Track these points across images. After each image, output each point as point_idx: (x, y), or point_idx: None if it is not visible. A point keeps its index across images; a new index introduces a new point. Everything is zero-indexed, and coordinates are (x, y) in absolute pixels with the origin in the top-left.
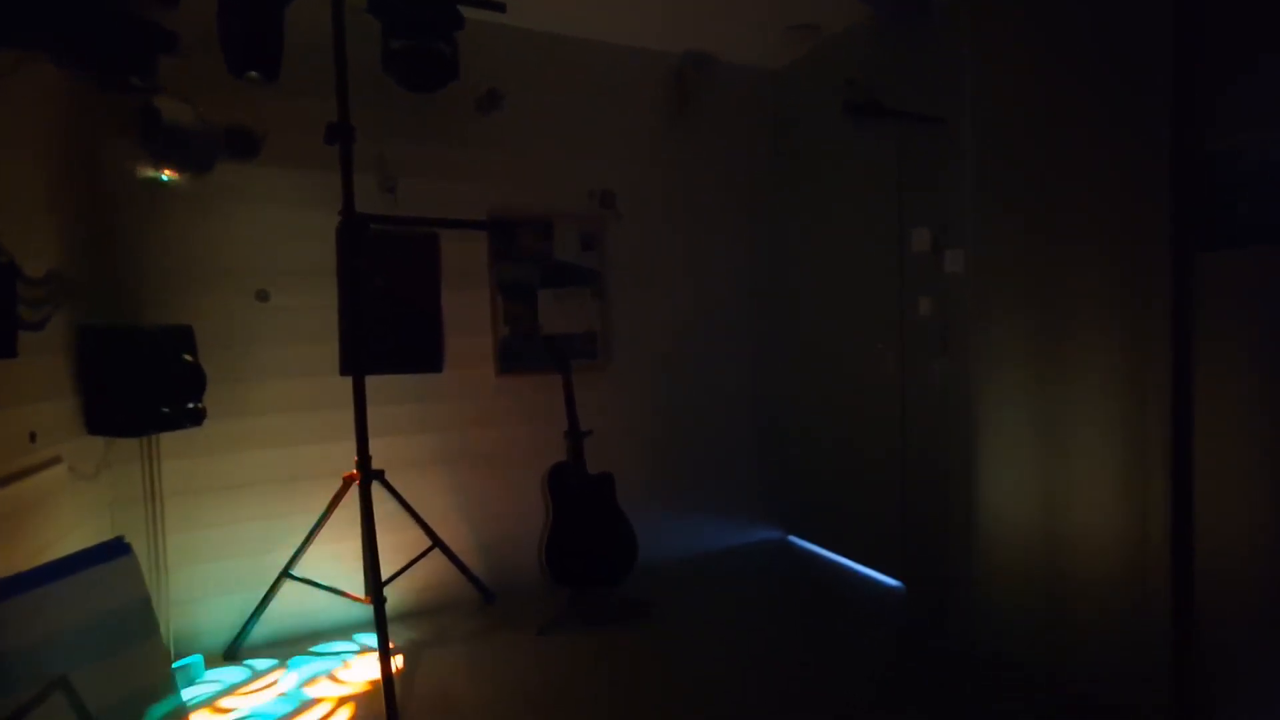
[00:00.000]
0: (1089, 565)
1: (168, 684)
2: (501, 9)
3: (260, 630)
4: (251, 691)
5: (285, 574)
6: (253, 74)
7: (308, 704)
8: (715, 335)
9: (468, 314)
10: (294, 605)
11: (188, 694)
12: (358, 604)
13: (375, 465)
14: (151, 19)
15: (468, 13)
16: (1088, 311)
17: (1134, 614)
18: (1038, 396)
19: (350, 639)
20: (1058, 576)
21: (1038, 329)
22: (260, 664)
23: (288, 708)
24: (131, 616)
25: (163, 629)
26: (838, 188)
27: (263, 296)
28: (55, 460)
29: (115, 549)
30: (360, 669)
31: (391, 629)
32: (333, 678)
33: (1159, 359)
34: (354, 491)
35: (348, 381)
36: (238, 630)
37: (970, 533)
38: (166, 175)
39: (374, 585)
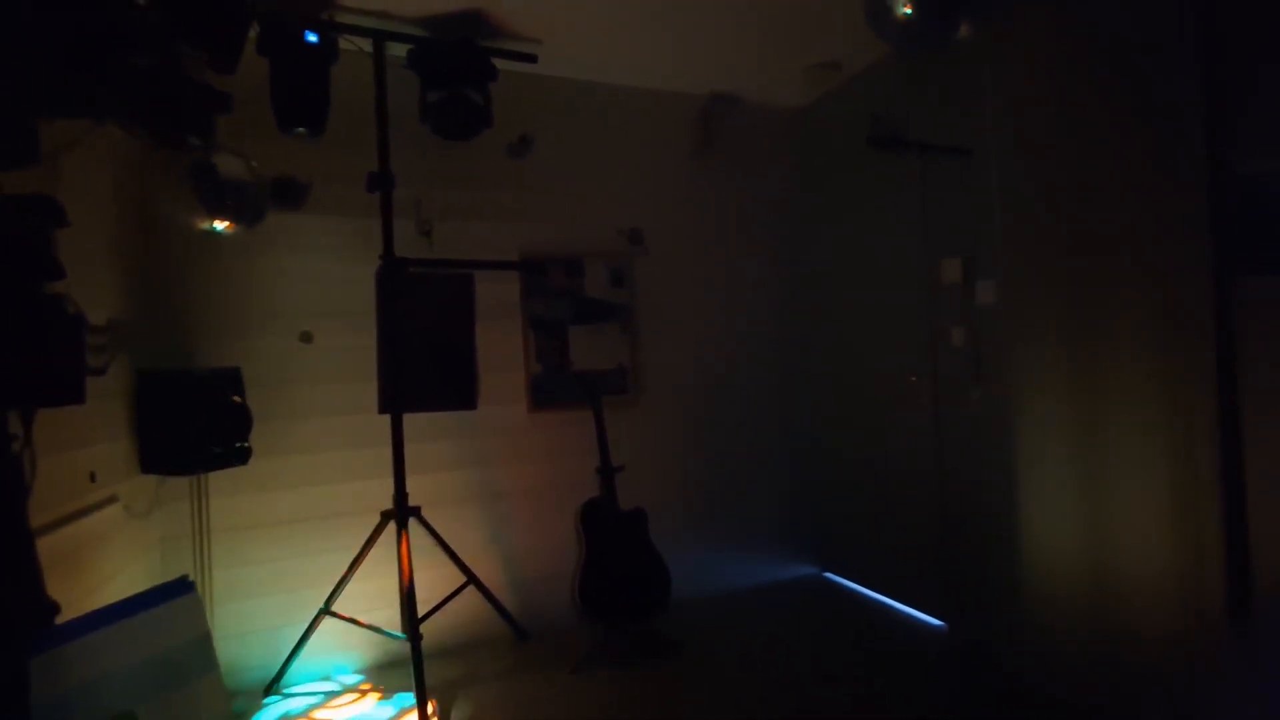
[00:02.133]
0: (1139, 599)
1: (227, 718)
2: (533, 60)
3: (300, 666)
4: None
5: (324, 610)
6: (301, 130)
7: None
8: (746, 369)
9: (501, 351)
10: (333, 641)
11: None
12: (395, 642)
13: (411, 502)
14: (208, 83)
15: (500, 64)
16: (1126, 338)
17: (1188, 649)
18: (1077, 425)
19: (385, 678)
20: (1106, 611)
21: (1074, 357)
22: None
23: None
24: (194, 653)
25: None
26: (865, 221)
27: (306, 338)
28: (112, 499)
29: (179, 588)
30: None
31: (426, 666)
32: None
33: (1203, 384)
34: (391, 528)
35: (386, 419)
36: (279, 666)
37: (1013, 568)
38: (220, 226)
39: (410, 622)
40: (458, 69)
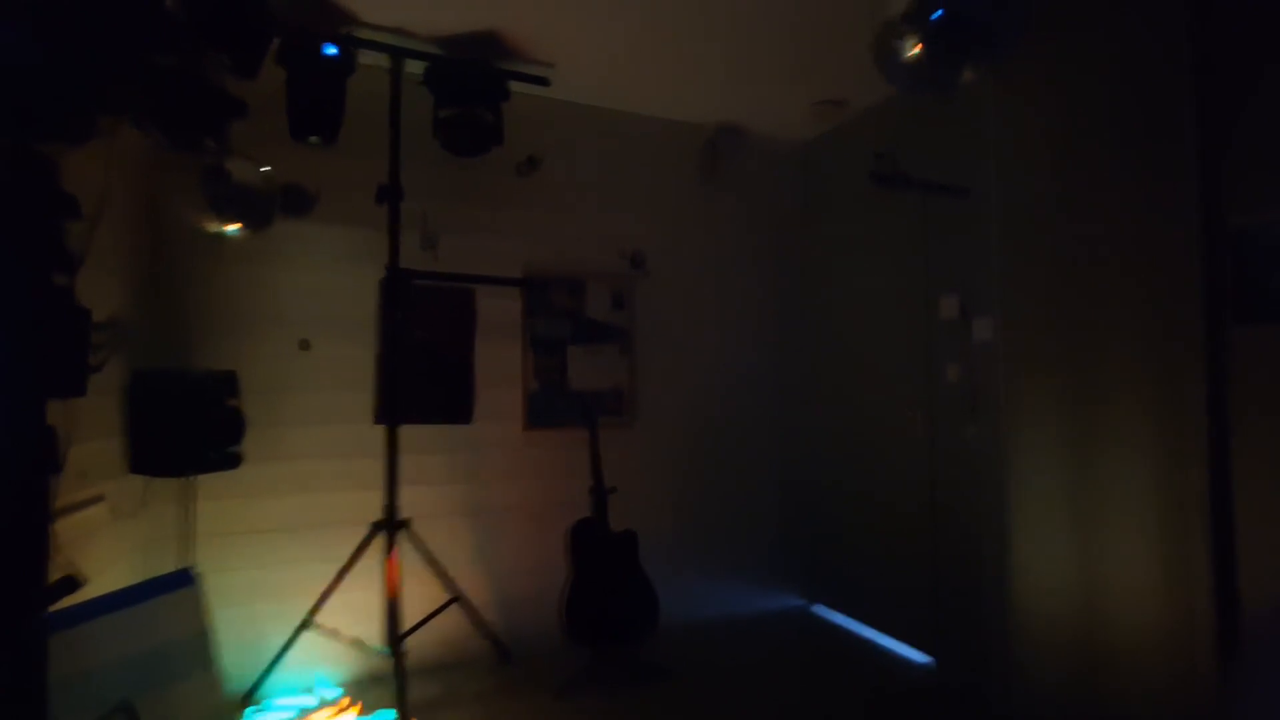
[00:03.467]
0: (1130, 636)
1: (224, 715)
2: (545, 83)
3: (278, 678)
4: None
5: (306, 622)
6: (314, 139)
7: None
8: (742, 397)
9: (499, 367)
10: (314, 653)
11: None
12: (376, 656)
13: (402, 515)
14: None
15: (513, 84)
16: (1120, 380)
17: (1179, 687)
18: (1071, 464)
19: (365, 693)
20: (1097, 649)
21: (1069, 396)
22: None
23: None
24: (192, 647)
25: None
26: (865, 255)
27: (304, 345)
28: (99, 498)
29: (182, 579)
30: None
31: (408, 683)
32: None
33: (1195, 428)
34: (379, 540)
35: (380, 430)
36: (258, 677)
37: (1004, 606)
38: (229, 230)
39: (393, 637)
40: (471, 88)
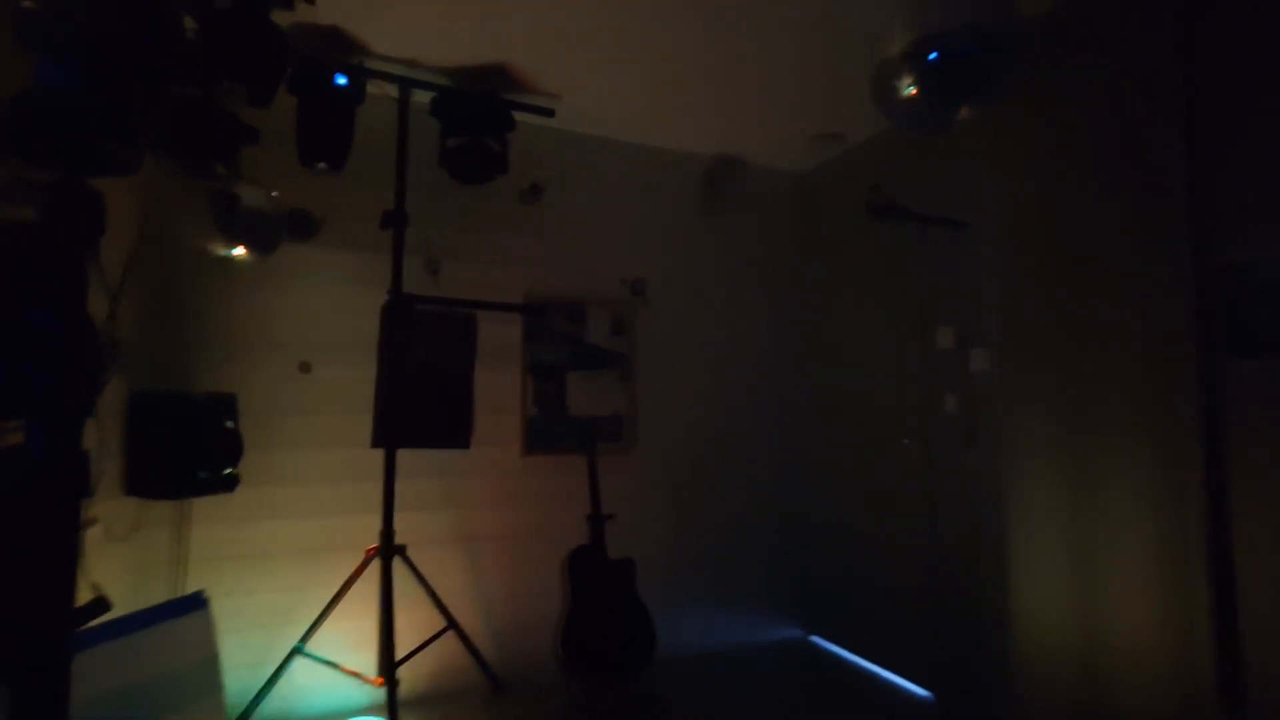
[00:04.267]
0: (1130, 669)
1: None
2: (550, 114)
3: (269, 706)
4: None
5: (298, 650)
6: (321, 165)
7: None
8: (740, 425)
9: (498, 392)
10: (305, 682)
11: None
12: (367, 685)
13: (397, 540)
14: (237, 115)
15: (519, 115)
16: (1117, 411)
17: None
18: (1069, 495)
19: None
20: (1098, 683)
21: (1066, 427)
22: None
23: None
24: (200, 672)
25: None
26: (862, 286)
27: (305, 368)
28: (92, 521)
29: (193, 603)
30: None
31: (400, 713)
32: None
33: (1191, 458)
34: (374, 567)
35: (376, 454)
36: (245, 704)
37: (1003, 640)
38: (236, 253)
39: (387, 666)
40: (478, 118)
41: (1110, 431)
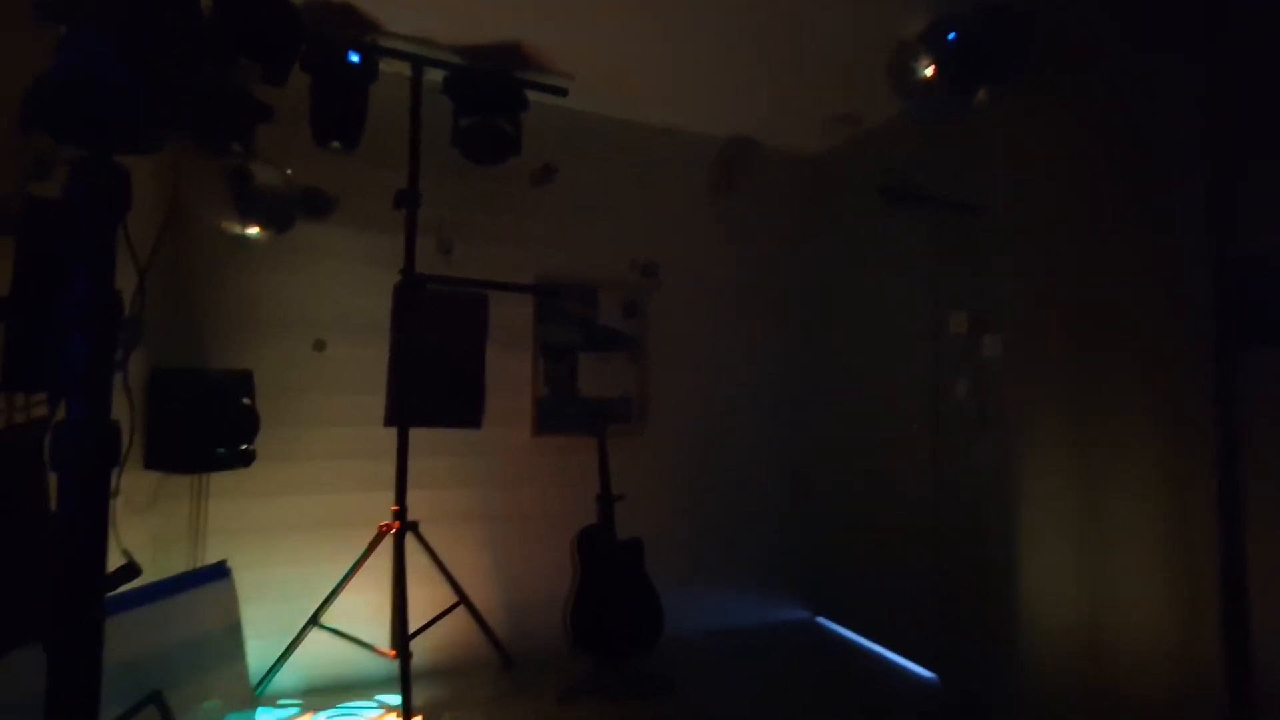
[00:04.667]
0: (1136, 658)
1: (249, 709)
2: (563, 94)
3: (285, 676)
4: None
5: (313, 621)
6: (335, 144)
7: None
8: (749, 408)
9: (509, 373)
10: (319, 654)
11: None
12: (381, 658)
13: (409, 517)
14: (252, 93)
15: (532, 95)
16: (1130, 398)
17: (1185, 711)
18: (1079, 483)
19: (370, 694)
20: (1102, 670)
21: (1078, 414)
22: (288, 710)
23: None
24: (223, 640)
25: None
26: (875, 269)
27: (319, 346)
28: (114, 493)
29: (216, 572)
30: None
31: (412, 685)
32: None
33: (1204, 448)
34: (386, 542)
35: (389, 432)
36: (261, 675)
37: (1009, 624)
38: (251, 232)
39: (400, 639)
40: (491, 97)
41: (1122, 419)
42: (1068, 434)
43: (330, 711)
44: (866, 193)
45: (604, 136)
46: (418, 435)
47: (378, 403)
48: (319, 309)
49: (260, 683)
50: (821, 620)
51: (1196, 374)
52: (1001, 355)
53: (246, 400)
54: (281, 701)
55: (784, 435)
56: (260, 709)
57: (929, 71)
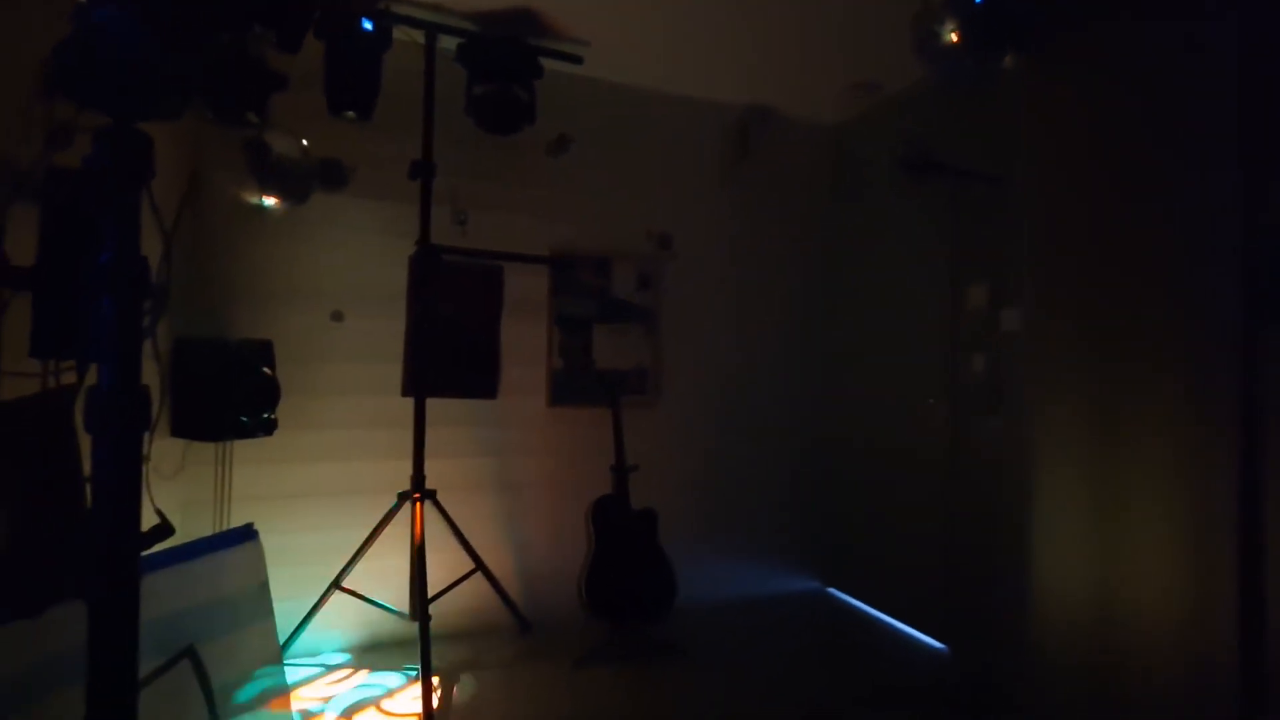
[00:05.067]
0: (1147, 634)
1: (278, 665)
2: (579, 61)
3: (308, 637)
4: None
5: (335, 585)
6: (350, 114)
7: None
8: (764, 380)
9: (524, 344)
10: (342, 615)
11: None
12: (400, 621)
13: (427, 486)
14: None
15: (546, 63)
16: (1151, 376)
17: (1196, 693)
18: (1096, 460)
19: (390, 656)
20: (1113, 648)
21: (1097, 391)
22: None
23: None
24: (252, 598)
25: None
26: (892, 241)
27: (337, 317)
28: (144, 459)
29: (244, 534)
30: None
31: (431, 648)
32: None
33: (1227, 429)
34: (405, 509)
35: (407, 402)
36: (286, 635)
37: (1020, 598)
38: (269, 202)
39: (420, 603)
40: (505, 65)
41: (1141, 395)
42: (1085, 409)
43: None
44: (886, 163)
45: (619, 105)
46: (435, 405)
47: (395, 373)
48: (336, 280)
49: (285, 643)
50: (832, 591)
51: (1221, 351)
52: (1020, 329)
53: (267, 370)
54: (305, 661)
55: (798, 408)
56: (286, 668)
57: (953, 36)
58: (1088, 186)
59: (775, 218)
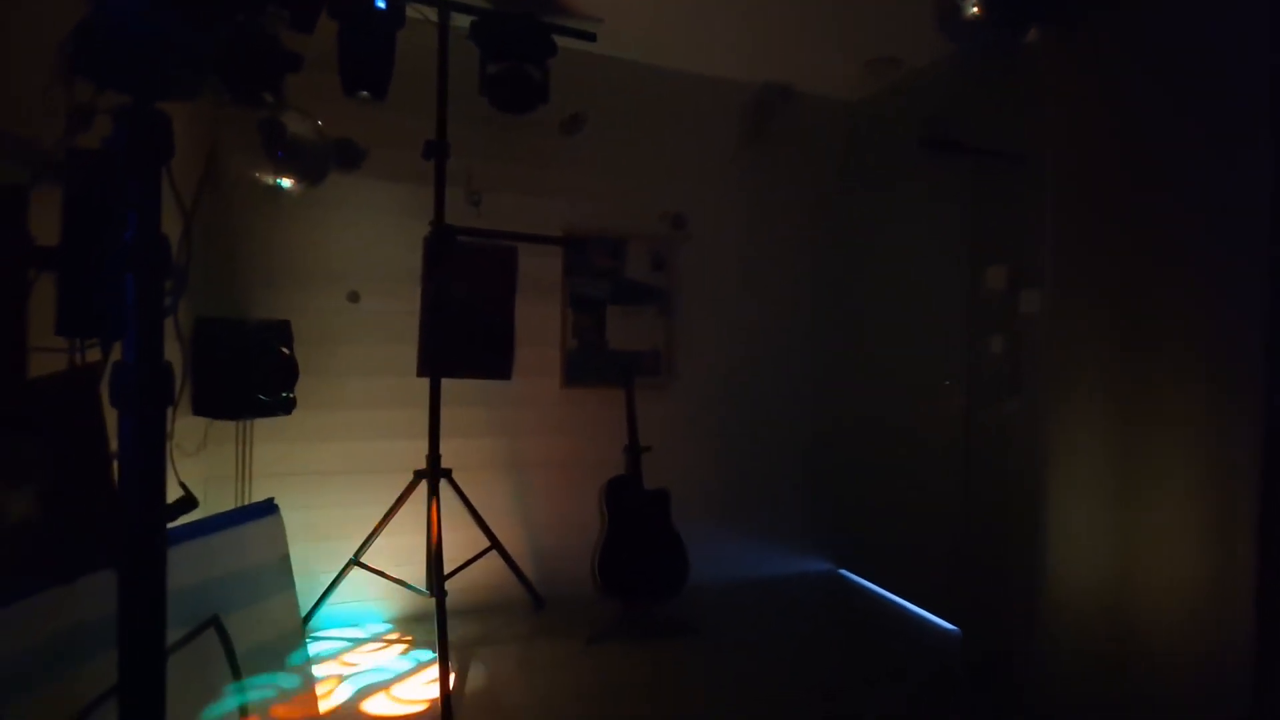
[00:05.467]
0: (1163, 625)
1: (299, 635)
2: (592, 38)
3: (328, 612)
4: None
5: (354, 561)
6: (363, 93)
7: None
8: (778, 362)
9: (538, 325)
10: (361, 590)
11: None
12: (417, 596)
13: (443, 465)
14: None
15: (560, 41)
16: (1173, 362)
17: (1211, 678)
18: (1114, 446)
19: (407, 631)
20: (1128, 633)
21: (1117, 375)
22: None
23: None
24: (274, 570)
25: None
26: (911, 221)
27: (353, 298)
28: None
29: (266, 509)
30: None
31: (447, 623)
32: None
33: (1250, 418)
34: (422, 487)
35: (423, 382)
36: (307, 610)
37: (1034, 581)
38: (285, 183)
39: (436, 580)
40: (518, 43)
41: (1163, 382)
42: (1104, 394)
43: (372, 646)
44: (906, 141)
45: (633, 84)
46: (450, 385)
47: (411, 353)
48: (352, 261)
49: (306, 616)
50: (844, 573)
51: (1246, 339)
52: (1040, 311)
53: (285, 350)
54: (324, 636)
55: (812, 389)
56: (308, 642)
57: (976, 9)
58: (1112, 166)
59: (791, 197)
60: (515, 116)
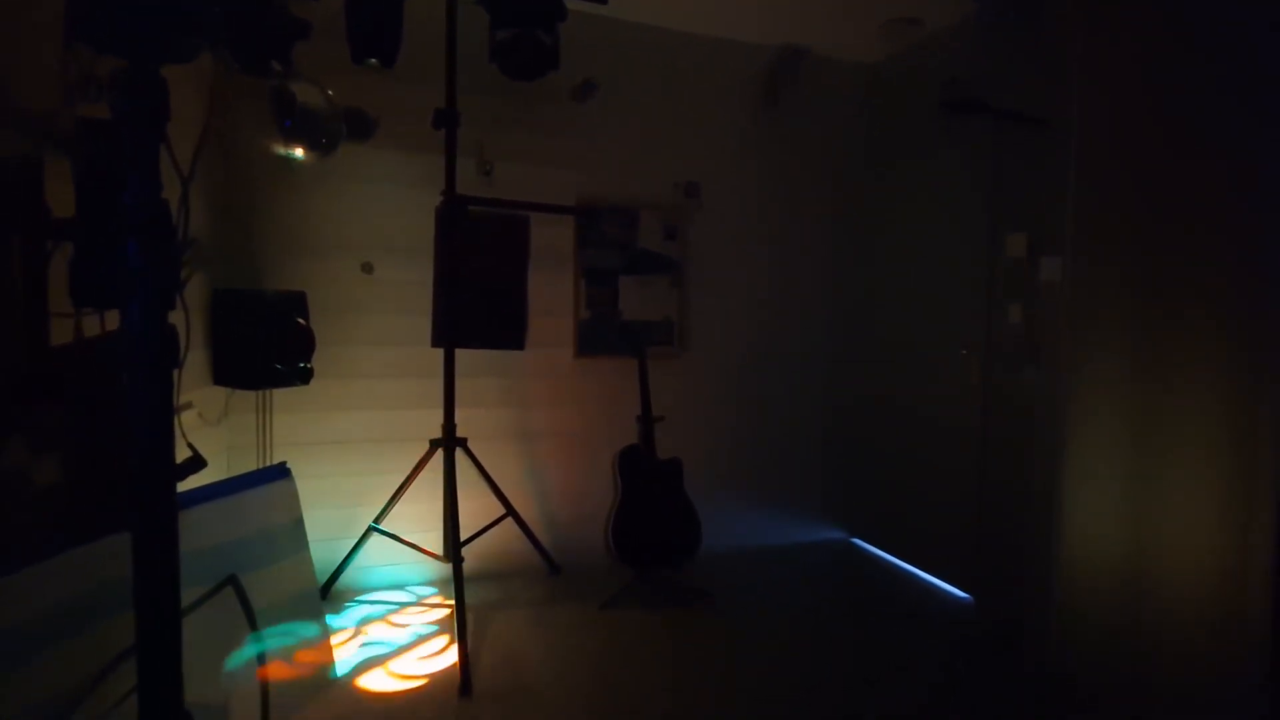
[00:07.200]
0: (1178, 594)
1: (314, 596)
2: (604, 1)
3: (349, 577)
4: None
5: (374, 527)
6: (372, 61)
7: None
8: (792, 330)
9: (551, 296)
10: (380, 556)
11: None
12: (435, 562)
13: (458, 434)
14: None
15: (570, 3)
16: (1195, 330)
17: (1226, 649)
18: (1133, 415)
19: (425, 596)
20: (1143, 602)
21: (1138, 346)
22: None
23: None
24: (288, 533)
25: None
26: (929, 187)
27: (367, 269)
28: (189, 405)
29: (279, 472)
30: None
31: (464, 587)
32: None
33: (1274, 383)
34: (438, 456)
35: (437, 352)
36: (329, 575)
37: (1049, 550)
38: (297, 154)
39: (453, 545)
40: (528, 7)
41: (1186, 354)
42: (1125, 365)
43: (388, 609)
44: (925, 104)
45: (646, 48)
46: (464, 356)
47: (425, 324)
48: (365, 231)
49: (327, 582)
50: (857, 541)
51: (1274, 314)
52: (1060, 279)
53: (301, 320)
54: (346, 601)
55: (825, 359)
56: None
57: None
58: (1139, 131)
59: (806, 162)
60: (526, 84)
